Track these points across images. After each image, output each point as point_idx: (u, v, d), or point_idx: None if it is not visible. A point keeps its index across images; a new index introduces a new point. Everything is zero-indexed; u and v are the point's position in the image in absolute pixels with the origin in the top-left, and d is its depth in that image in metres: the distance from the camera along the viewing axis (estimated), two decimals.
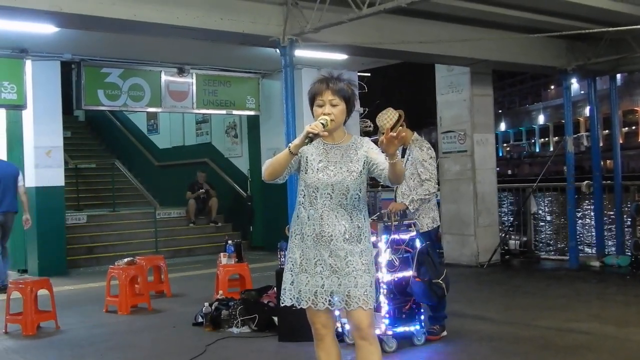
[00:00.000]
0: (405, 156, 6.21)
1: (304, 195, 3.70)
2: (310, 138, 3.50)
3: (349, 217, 3.66)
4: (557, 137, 52.03)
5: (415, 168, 6.12)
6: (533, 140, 58.92)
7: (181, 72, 12.35)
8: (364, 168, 3.70)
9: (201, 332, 6.68)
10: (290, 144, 3.57)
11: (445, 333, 6.19)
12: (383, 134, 3.43)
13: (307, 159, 3.71)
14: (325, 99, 3.65)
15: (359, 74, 13.96)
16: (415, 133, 6.32)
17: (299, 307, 3.70)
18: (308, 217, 3.67)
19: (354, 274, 3.60)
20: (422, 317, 5.94)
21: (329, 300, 3.63)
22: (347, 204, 3.66)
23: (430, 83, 11.87)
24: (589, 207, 16.44)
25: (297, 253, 3.70)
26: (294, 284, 3.70)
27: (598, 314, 7.05)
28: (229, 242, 8.41)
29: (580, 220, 14.84)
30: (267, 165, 3.66)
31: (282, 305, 3.77)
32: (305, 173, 3.69)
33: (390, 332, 5.67)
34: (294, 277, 3.70)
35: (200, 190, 14.31)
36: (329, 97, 3.65)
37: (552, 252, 12.55)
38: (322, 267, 3.63)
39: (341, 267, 3.61)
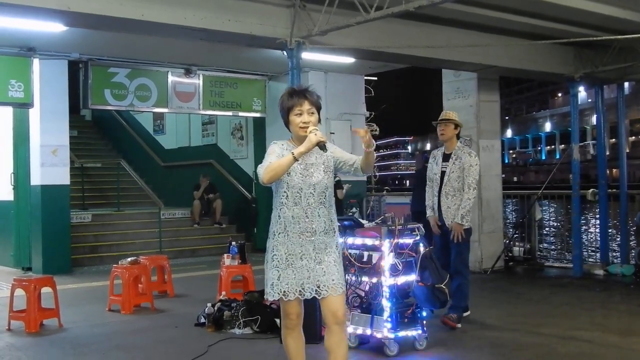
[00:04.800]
0: (451, 160, 6.79)
1: (287, 196, 4.02)
2: (324, 146, 3.89)
3: (327, 212, 4.07)
4: (563, 145, 51.96)
5: (462, 172, 6.71)
6: (539, 148, 58.86)
7: (188, 73, 12.37)
8: (332, 167, 4.12)
9: (203, 333, 6.69)
10: (293, 152, 3.87)
11: (459, 325, 6.64)
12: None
13: None
14: (303, 109, 4.04)
15: (365, 77, 13.97)
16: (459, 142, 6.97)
17: (285, 300, 4.00)
18: (292, 216, 4.01)
19: (334, 263, 4.02)
20: (424, 321, 5.93)
21: (315, 290, 3.98)
22: (325, 201, 4.06)
23: (437, 88, 11.86)
24: (594, 215, 16.41)
25: (282, 250, 4.02)
26: (280, 279, 4.00)
27: (601, 323, 7.03)
28: (233, 243, 8.42)
29: (584, 229, 14.79)
30: (268, 170, 3.89)
31: (269, 299, 4.09)
32: (288, 176, 3.99)
33: (392, 336, 5.66)
34: (280, 273, 4.00)
35: (210, 195, 14.38)
36: (306, 107, 4.04)
37: (556, 260, 12.49)
38: (308, 260, 3.99)
39: (323, 259, 4.01)
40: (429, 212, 7.03)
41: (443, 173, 6.83)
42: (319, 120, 4.08)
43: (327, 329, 4.06)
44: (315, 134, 3.88)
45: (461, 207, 6.67)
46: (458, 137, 6.98)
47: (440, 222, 6.86)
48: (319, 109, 4.08)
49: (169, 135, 17.44)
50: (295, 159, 3.86)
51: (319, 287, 3.97)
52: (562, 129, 54.00)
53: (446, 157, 6.89)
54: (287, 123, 4.13)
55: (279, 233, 4.03)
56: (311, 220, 3.99)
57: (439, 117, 7.02)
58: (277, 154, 3.99)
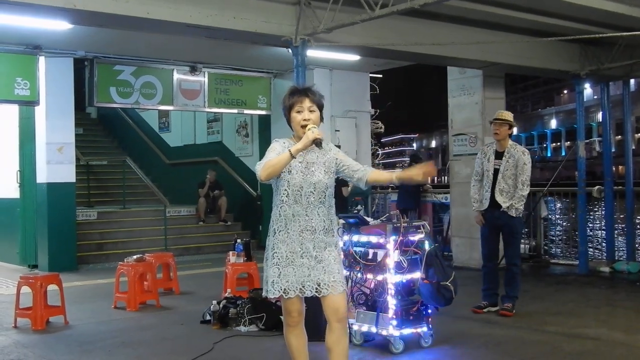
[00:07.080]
0: (505, 158, 7.14)
1: (287, 194, 4.04)
2: (320, 143, 3.94)
3: (327, 212, 4.09)
4: (569, 142, 51.84)
5: (515, 169, 7.07)
6: (545, 145, 58.71)
7: (193, 70, 12.38)
8: (333, 168, 4.14)
9: (209, 330, 6.71)
10: (290, 149, 3.91)
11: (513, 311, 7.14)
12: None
13: None
14: (304, 106, 4.06)
15: (370, 75, 13.96)
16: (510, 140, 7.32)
17: (286, 298, 4.03)
18: (293, 214, 4.03)
19: (334, 261, 4.05)
20: (430, 318, 5.93)
21: (316, 288, 4.00)
22: (325, 200, 4.08)
23: (442, 85, 11.83)
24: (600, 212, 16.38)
25: (283, 248, 4.04)
26: (281, 276, 4.02)
27: (607, 320, 7.02)
28: (238, 240, 8.43)
29: (590, 226, 14.75)
30: (266, 167, 3.92)
31: (270, 297, 4.11)
32: (289, 174, 4.02)
33: (397, 334, 5.67)
34: (281, 270, 4.03)
35: (216, 192, 14.41)
36: (307, 104, 4.06)
37: (562, 257, 12.47)
38: (308, 259, 4.02)
39: (324, 257, 4.03)
40: (475, 206, 7.46)
41: (495, 170, 7.20)
42: (322, 119, 4.11)
43: (328, 327, 4.07)
44: (312, 131, 3.91)
45: (515, 202, 7.09)
46: (510, 136, 7.33)
47: (496, 216, 7.25)
48: (320, 107, 4.11)
49: (174, 133, 17.46)
50: (292, 156, 3.89)
51: (319, 285, 3.99)
52: (567, 126, 53.79)
53: (498, 155, 7.23)
54: (289, 121, 4.16)
55: (280, 231, 4.05)
56: (311, 218, 4.02)
57: (494, 117, 7.34)
58: (278, 152, 4.01)
